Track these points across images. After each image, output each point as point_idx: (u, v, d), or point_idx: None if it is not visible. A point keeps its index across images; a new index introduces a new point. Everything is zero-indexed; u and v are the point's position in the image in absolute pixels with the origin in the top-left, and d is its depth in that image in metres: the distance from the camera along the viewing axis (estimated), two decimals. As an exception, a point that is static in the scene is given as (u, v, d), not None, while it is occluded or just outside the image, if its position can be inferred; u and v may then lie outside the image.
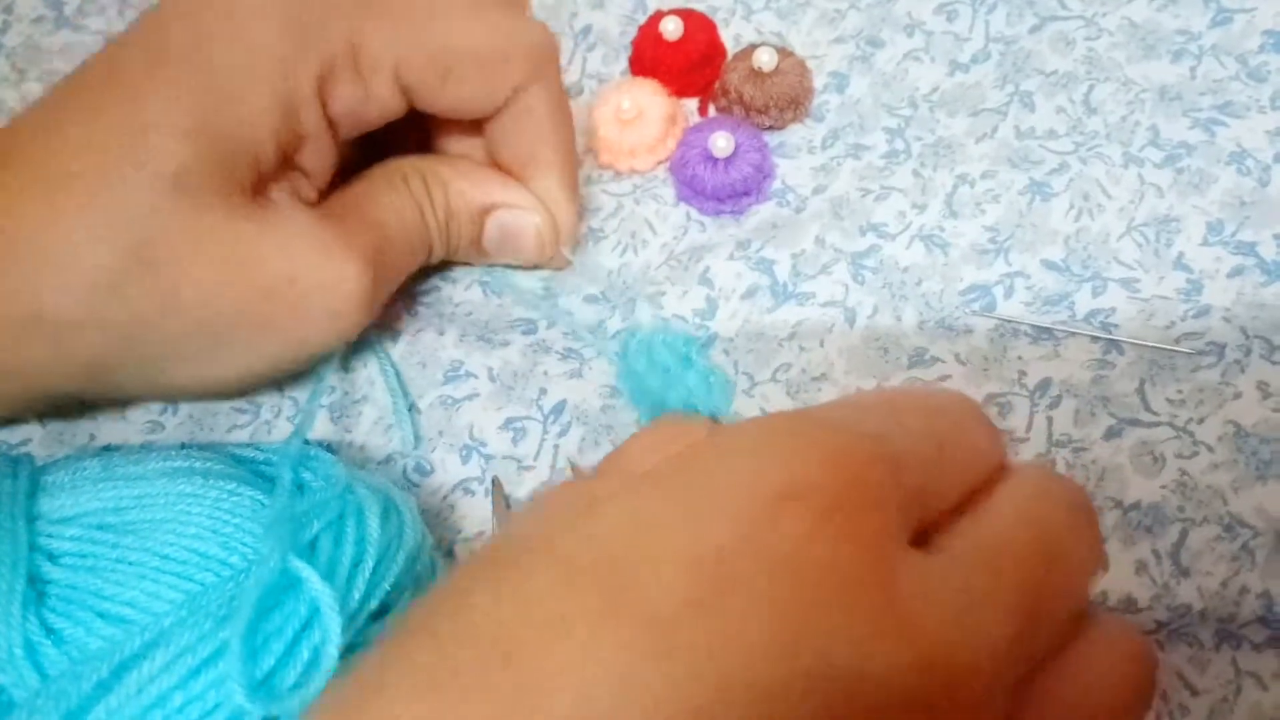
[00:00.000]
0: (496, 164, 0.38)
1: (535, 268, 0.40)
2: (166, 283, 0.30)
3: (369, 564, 0.28)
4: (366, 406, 0.38)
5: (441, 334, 0.39)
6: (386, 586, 0.29)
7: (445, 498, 0.37)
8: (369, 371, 0.39)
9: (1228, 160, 0.38)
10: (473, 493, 0.37)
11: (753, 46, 0.41)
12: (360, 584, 0.28)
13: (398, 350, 0.39)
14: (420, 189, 0.36)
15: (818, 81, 0.43)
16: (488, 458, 0.37)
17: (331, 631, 0.26)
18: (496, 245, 0.38)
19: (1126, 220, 0.38)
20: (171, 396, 0.38)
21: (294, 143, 0.33)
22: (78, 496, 0.29)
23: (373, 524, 0.29)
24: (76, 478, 0.30)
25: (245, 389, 0.38)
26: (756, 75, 0.41)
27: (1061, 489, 0.25)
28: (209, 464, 0.31)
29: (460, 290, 0.41)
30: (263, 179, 0.32)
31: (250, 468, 0.32)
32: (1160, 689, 0.32)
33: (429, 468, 0.37)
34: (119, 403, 0.39)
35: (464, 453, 0.37)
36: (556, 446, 0.37)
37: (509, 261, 0.40)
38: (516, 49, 0.35)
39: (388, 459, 0.37)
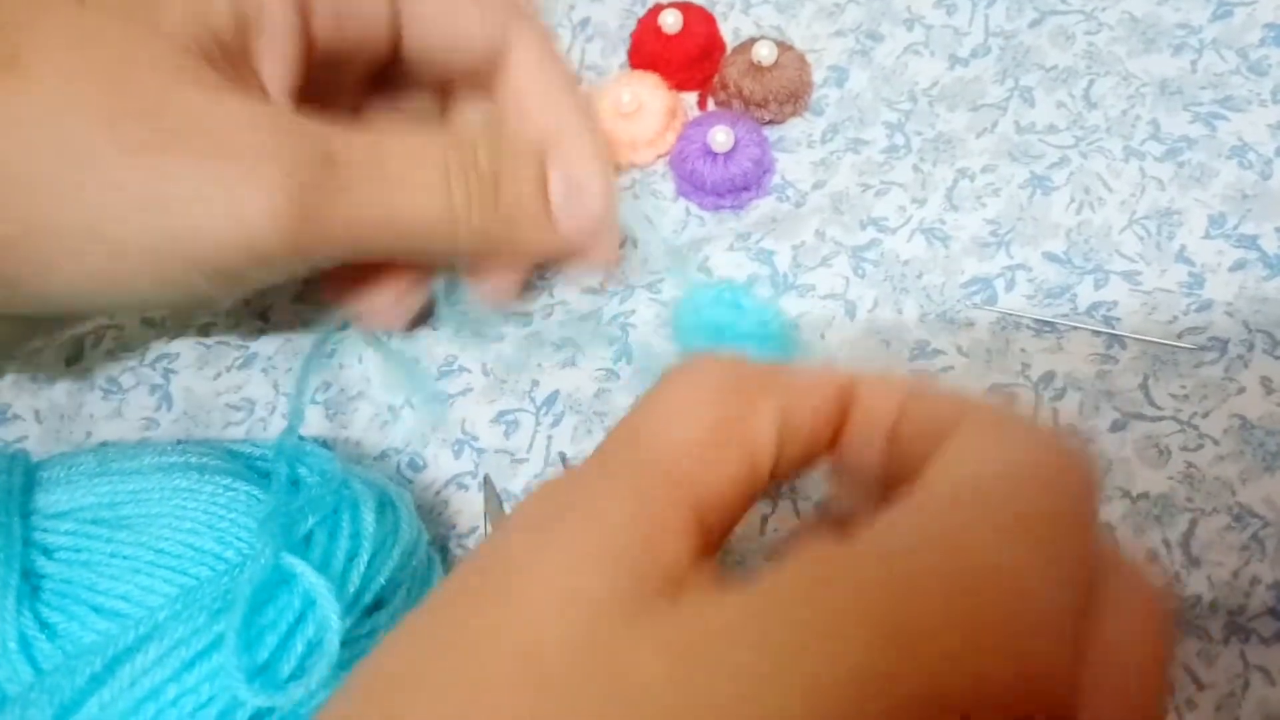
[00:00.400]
0: None
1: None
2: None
3: (364, 558, 0.28)
4: (362, 403, 0.38)
5: (435, 330, 0.39)
6: (382, 580, 0.28)
7: (439, 493, 0.36)
8: (364, 368, 0.38)
9: (1229, 154, 0.38)
10: (466, 487, 0.36)
11: (752, 40, 0.41)
12: (355, 578, 0.28)
13: (392, 347, 0.39)
14: (461, 139, 0.31)
15: (817, 75, 0.42)
16: (480, 451, 0.37)
17: (329, 623, 0.26)
18: (564, 200, 0.32)
19: (1128, 213, 0.38)
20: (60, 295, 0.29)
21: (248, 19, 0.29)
22: (73, 492, 0.28)
23: (368, 518, 0.29)
24: (72, 473, 0.29)
25: (146, 291, 0.28)
26: (756, 69, 0.40)
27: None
28: (204, 459, 0.30)
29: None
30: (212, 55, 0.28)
31: (245, 463, 0.32)
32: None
33: (422, 463, 0.37)
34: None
35: (456, 448, 0.37)
36: (549, 438, 0.37)
37: (577, 233, 0.33)
38: None
39: (383, 455, 0.37)
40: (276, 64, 0.29)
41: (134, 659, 0.24)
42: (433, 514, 0.36)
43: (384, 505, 0.30)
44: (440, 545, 0.36)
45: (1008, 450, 0.19)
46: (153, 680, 0.24)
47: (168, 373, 0.38)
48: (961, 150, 0.40)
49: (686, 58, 0.42)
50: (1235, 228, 0.37)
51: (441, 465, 0.37)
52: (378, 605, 0.29)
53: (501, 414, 0.37)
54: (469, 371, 0.38)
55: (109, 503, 0.28)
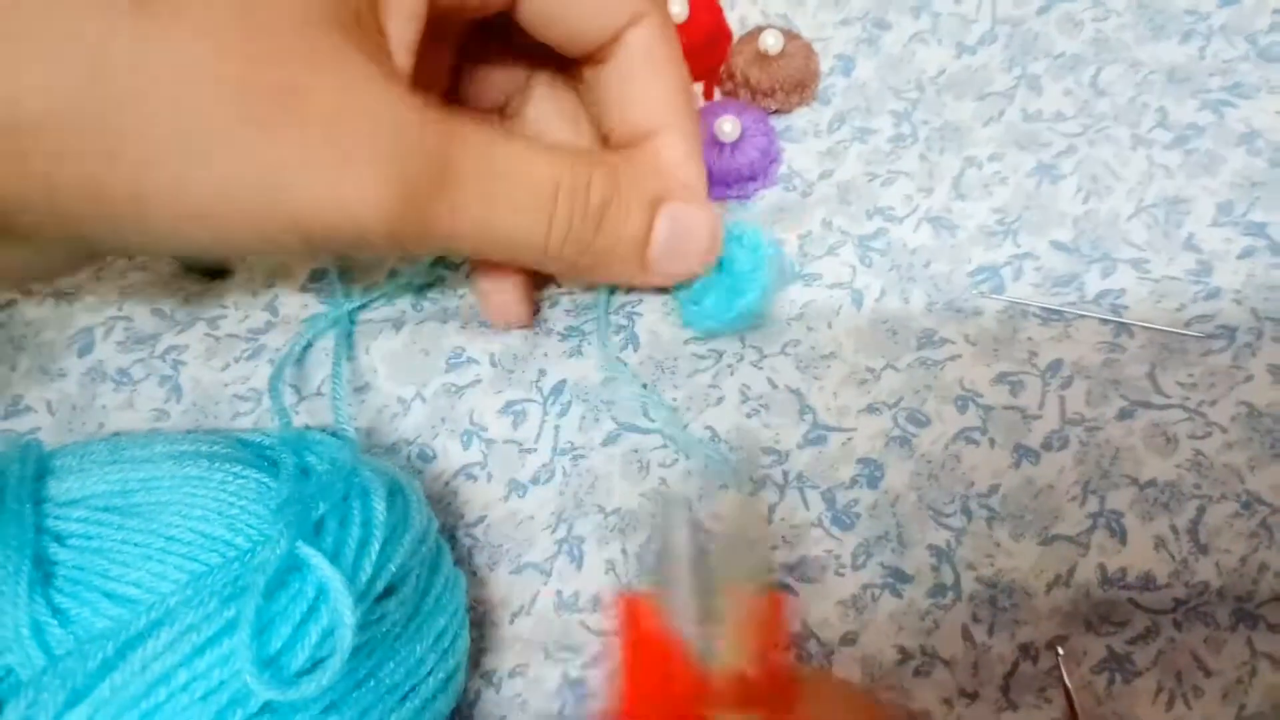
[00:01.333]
0: (605, 140, 0.34)
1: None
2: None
3: (375, 546, 0.28)
4: (370, 394, 0.38)
5: (444, 323, 0.39)
6: (393, 568, 0.29)
7: (448, 483, 0.36)
8: (371, 359, 0.39)
9: (1237, 141, 0.38)
10: (475, 478, 0.36)
11: (759, 29, 0.41)
12: (367, 566, 0.28)
13: (400, 339, 0.39)
14: (577, 167, 0.30)
15: (824, 64, 0.42)
16: (489, 442, 0.37)
17: (342, 614, 0.26)
18: (664, 248, 0.31)
19: (1136, 201, 0.38)
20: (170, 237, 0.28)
21: None
22: (85, 479, 0.29)
23: (379, 505, 0.29)
24: (84, 461, 0.29)
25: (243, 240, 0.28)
26: (762, 58, 0.40)
27: None
28: (215, 448, 0.30)
29: (463, 278, 0.41)
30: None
31: (255, 451, 0.32)
32: (1175, 670, 0.31)
33: (432, 454, 0.37)
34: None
35: (465, 438, 0.37)
36: (557, 427, 0.37)
37: (667, 274, 0.32)
38: None
39: (393, 445, 0.37)
40: (402, 22, 0.29)
41: (145, 644, 0.25)
42: (442, 504, 0.36)
43: (394, 493, 0.30)
44: (449, 535, 0.36)
45: None
46: (164, 665, 0.24)
47: (177, 364, 0.39)
48: (969, 139, 0.40)
49: (693, 47, 0.42)
50: (1244, 215, 0.37)
51: (450, 456, 0.37)
52: (388, 592, 0.29)
53: (509, 404, 0.37)
54: (477, 363, 0.38)
55: (120, 490, 0.28)
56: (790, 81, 0.41)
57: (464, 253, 0.30)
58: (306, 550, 0.26)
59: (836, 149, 0.41)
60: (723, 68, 0.42)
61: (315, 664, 0.26)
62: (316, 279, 0.41)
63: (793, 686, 0.26)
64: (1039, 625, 0.32)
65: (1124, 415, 0.34)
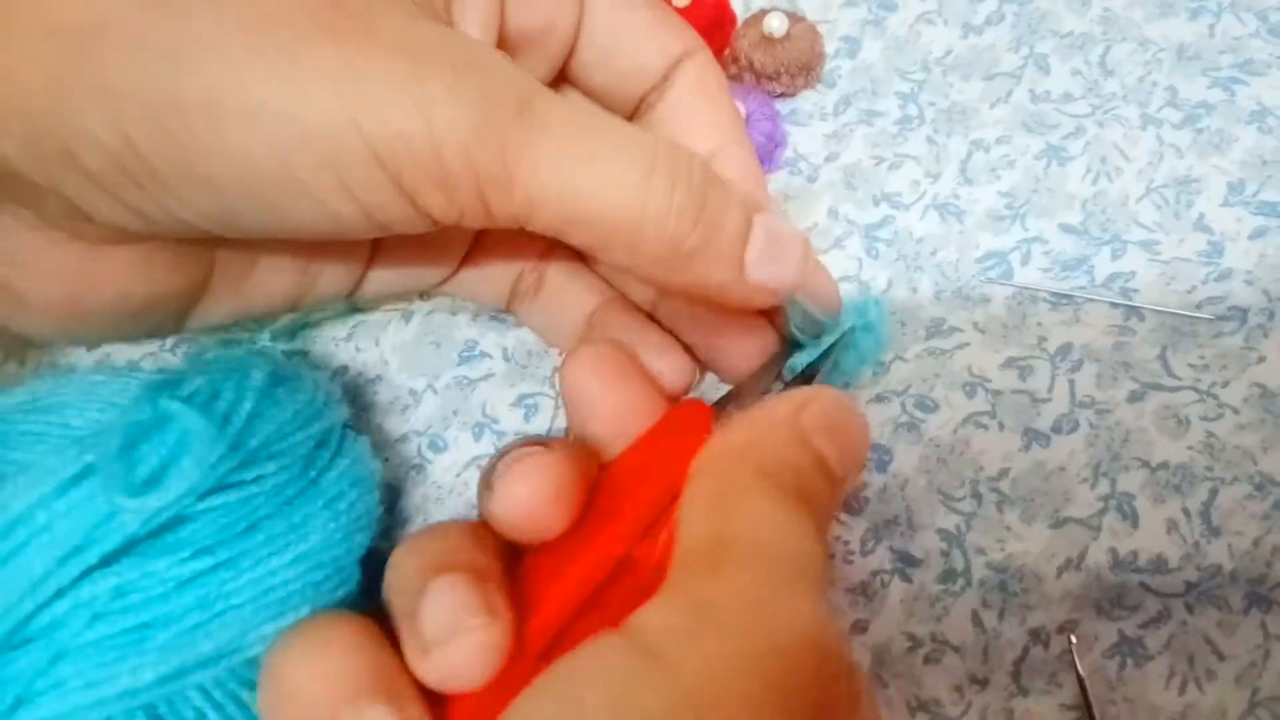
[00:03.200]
0: None
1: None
2: None
3: (246, 406, 0.28)
4: (381, 386, 0.38)
5: (454, 314, 0.39)
6: (270, 428, 0.29)
7: (459, 474, 0.37)
8: (381, 350, 0.39)
9: (1248, 119, 0.38)
10: (488, 469, 0.37)
11: (763, 12, 0.41)
12: (237, 421, 0.28)
13: (410, 330, 0.39)
14: (672, 149, 0.27)
15: (829, 46, 0.42)
16: (500, 435, 0.37)
17: (203, 437, 0.26)
18: (763, 251, 0.28)
19: (1145, 182, 0.37)
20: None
21: None
22: (5, 395, 0.30)
23: (255, 376, 0.29)
24: (18, 388, 0.31)
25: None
26: (767, 41, 0.40)
27: None
28: (133, 368, 0.32)
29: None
30: None
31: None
32: (1188, 654, 0.31)
33: (443, 445, 0.37)
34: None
35: (476, 430, 0.37)
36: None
37: (762, 283, 0.29)
38: (674, 16, 0.31)
39: (404, 436, 0.37)
40: (473, 26, 0.28)
41: (4, 487, 0.26)
42: (453, 495, 0.36)
43: (283, 377, 0.31)
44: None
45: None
46: (22, 504, 0.25)
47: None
48: (976, 121, 0.40)
49: (696, 30, 0.42)
50: (1255, 195, 0.36)
51: (462, 448, 0.37)
52: (269, 457, 0.29)
53: (522, 398, 0.37)
54: (490, 357, 0.38)
55: (29, 398, 0.30)
56: (795, 64, 0.41)
57: (539, 226, 0.26)
58: (169, 403, 0.27)
59: (842, 132, 0.41)
60: (727, 52, 0.42)
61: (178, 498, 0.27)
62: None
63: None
64: (1050, 610, 0.32)
65: (1135, 398, 0.34)
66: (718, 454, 0.25)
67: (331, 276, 0.32)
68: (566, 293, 0.34)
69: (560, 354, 0.38)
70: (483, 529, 0.26)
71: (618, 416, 0.28)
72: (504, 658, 0.22)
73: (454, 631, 0.22)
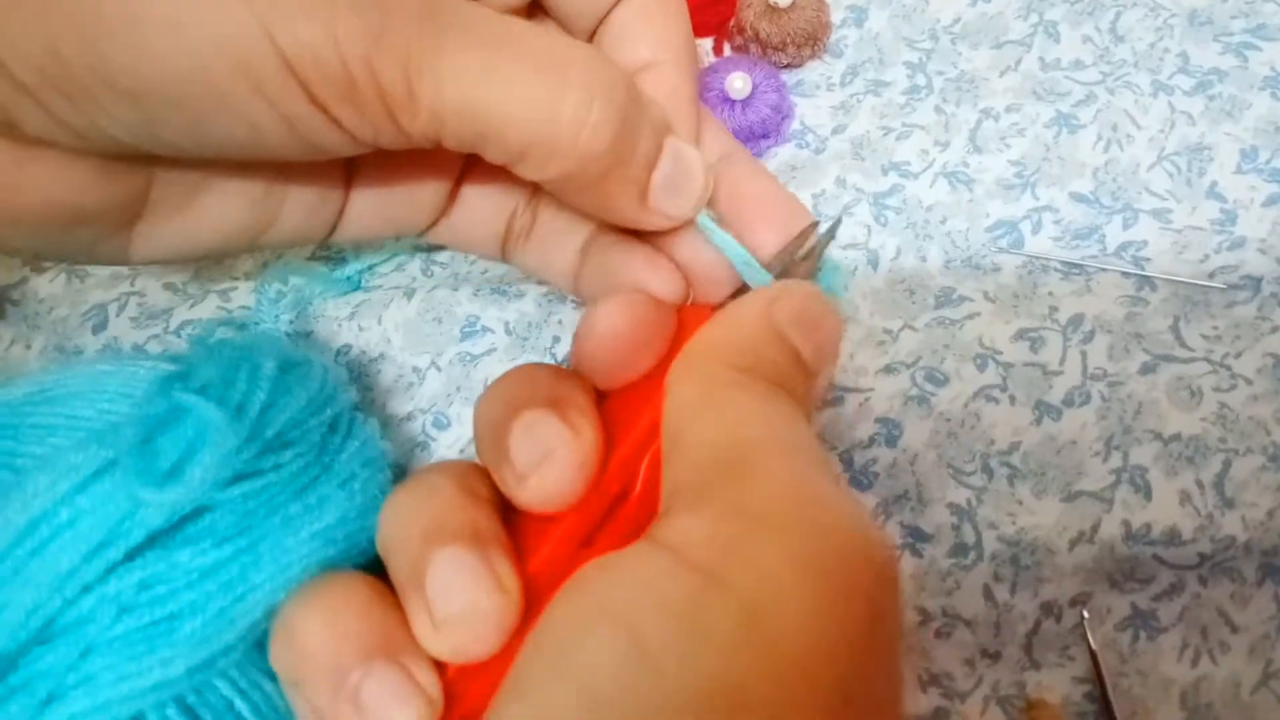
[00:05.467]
0: None
1: None
2: None
3: (260, 395, 0.28)
4: (385, 365, 0.38)
5: (455, 290, 0.39)
6: (285, 416, 0.29)
7: (463, 450, 0.36)
8: (383, 329, 0.38)
9: (1261, 85, 0.37)
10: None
11: (768, -18, 0.40)
12: (252, 410, 0.28)
13: (412, 308, 0.38)
14: (603, 62, 0.26)
15: (835, 16, 0.41)
16: (506, 410, 0.37)
17: (221, 429, 0.26)
18: (666, 181, 0.28)
19: (1157, 150, 0.37)
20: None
21: None
22: (9, 387, 0.30)
23: (267, 365, 0.29)
24: (25, 379, 0.30)
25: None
26: (772, 11, 0.39)
27: None
28: (139, 356, 0.31)
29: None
30: None
31: (180, 361, 0.33)
32: (1200, 626, 0.31)
33: (447, 422, 0.37)
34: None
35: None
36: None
37: (663, 214, 0.28)
38: None
39: (409, 414, 0.37)
40: None
41: (25, 486, 0.25)
42: (459, 473, 0.36)
43: (293, 364, 0.31)
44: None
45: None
46: (44, 503, 0.25)
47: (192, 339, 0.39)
48: (985, 90, 0.39)
49: (701, 1, 0.41)
50: (1268, 162, 0.36)
51: (465, 424, 0.37)
52: (284, 445, 0.29)
53: (524, 371, 0.37)
54: (492, 331, 0.38)
55: (38, 389, 0.29)
56: (801, 35, 0.40)
57: (456, 136, 0.25)
58: (185, 396, 0.27)
59: (849, 103, 0.40)
60: (732, 22, 0.41)
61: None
62: (326, 246, 0.40)
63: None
64: (1062, 583, 0.32)
65: (1147, 369, 0.33)
66: (692, 358, 0.25)
67: (297, 210, 0.32)
68: (558, 229, 0.33)
69: (572, 302, 0.37)
70: (473, 473, 0.25)
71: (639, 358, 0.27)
72: (515, 625, 0.22)
73: (463, 610, 0.22)
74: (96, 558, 0.25)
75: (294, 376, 0.30)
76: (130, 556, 0.26)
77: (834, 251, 0.33)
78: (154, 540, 0.26)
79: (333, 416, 0.31)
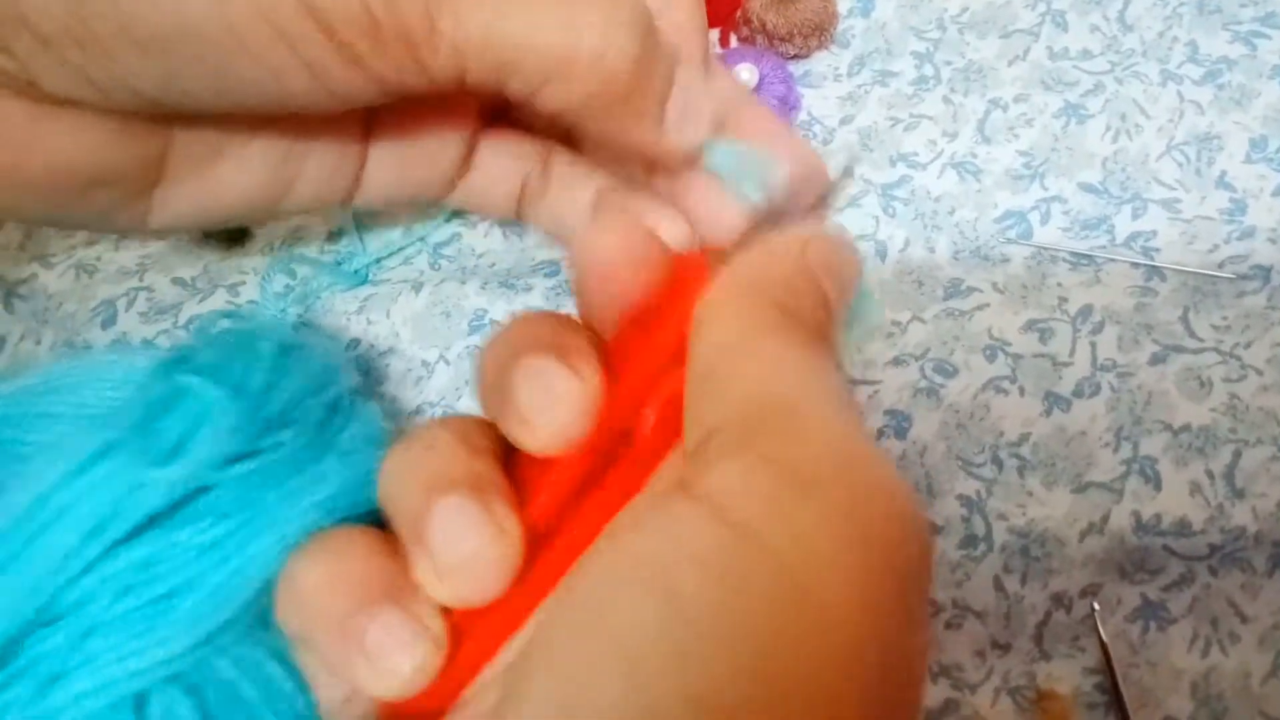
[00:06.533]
0: None
1: None
2: None
3: (259, 376, 0.28)
4: (393, 358, 0.38)
5: (463, 283, 0.39)
6: (285, 395, 0.29)
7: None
8: (392, 322, 0.38)
9: (1270, 74, 0.37)
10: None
11: (774, -27, 0.40)
12: (252, 389, 0.28)
13: (420, 301, 0.38)
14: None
15: (842, 6, 0.41)
16: (515, 403, 0.37)
17: (222, 409, 0.26)
18: (680, 110, 0.28)
19: (1166, 139, 0.37)
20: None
21: None
22: (16, 379, 0.30)
23: (265, 346, 0.29)
24: (32, 370, 0.30)
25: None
26: (779, 2, 0.39)
27: None
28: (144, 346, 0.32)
29: (480, 237, 0.40)
30: None
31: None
32: (1211, 616, 0.31)
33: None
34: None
35: (490, 400, 0.37)
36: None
37: (677, 143, 0.28)
38: None
39: (419, 408, 0.37)
40: None
41: (25, 471, 0.25)
42: (468, 466, 0.36)
43: (292, 346, 0.31)
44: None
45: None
46: (43, 485, 0.25)
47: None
48: (993, 79, 0.39)
49: (707, -7, 0.41)
50: (1278, 151, 0.36)
51: (474, 417, 0.37)
52: (283, 425, 0.29)
53: (532, 364, 0.37)
54: (500, 324, 0.38)
55: (44, 380, 0.29)
56: (808, 25, 0.40)
57: (481, 70, 0.26)
58: (185, 377, 0.27)
59: (857, 94, 0.40)
60: (739, 13, 0.41)
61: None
62: (334, 240, 0.40)
63: None
64: (1072, 574, 0.32)
65: (1157, 360, 0.33)
66: (729, 293, 0.23)
67: (316, 173, 0.32)
68: (571, 185, 0.34)
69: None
70: (472, 425, 0.25)
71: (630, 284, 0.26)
72: (517, 569, 0.22)
73: (465, 556, 0.22)
74: (97, 538, 0.25)
75: (293, 358, 0.30)
76: (131, 536, 0.26)
77: (869, 281, 0.32)
78: (154, 520, 0.26)
79: (333, 397, 0.31)
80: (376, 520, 0.30)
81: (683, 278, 0.25)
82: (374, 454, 0.31)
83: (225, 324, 0.33)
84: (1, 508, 0.25)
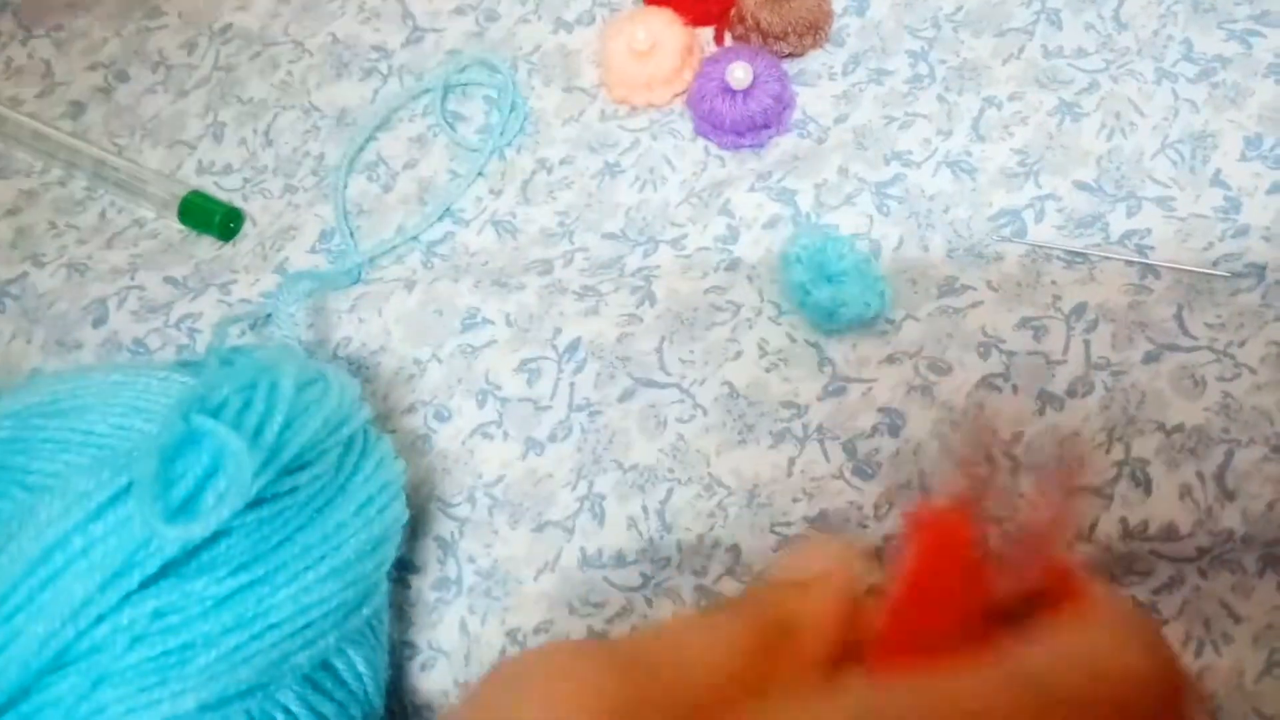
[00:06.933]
0: None
1: None
2: None
3: (279, 419, 0.28)
4: (385, 356, 0.38)
5: (456, 282, 0.39)
6: (302, 440, 0.28)
7: (464, 442, 0.36)
8: (384, 321, 0.38)
9: (1265, 72, 0.37)
10: (491, 437, 0.36)
11: (768, -30, 0.40)
12: (269, 435, 0.28)
13: (413, 299, 0.38)
14: None
15: (837, 4, 0.41)
16: (504, 401, 0.36)
17: (240, 462, 0.26)
18: None
19: (1160, 138, 0.37)
20: None
21: None
22: (20, 395, 0.30)
23: (285, 384, 0.29)
24: (29, 383, 0.31)
25: None
26: (774, 0, 0.39)
27: None
28: (149, 364, 0.31)
29: (473, 235, 0.40)
30: None
31: (192, 369, 0.32)
32: (1203, 617, 0.31)
33: (448, 414, 0.37)
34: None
35: (480, 397, 0.37)
36: (572, 384, 0.36)
37: None
38: None
39: (411, 406, 0.37)
40: None
41: (39, 513, 0.25)
42: (459, 464, 0.36)
43: (310, 382, 0.30)
44: (469, 495, 0.36)
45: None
46: (57, 531, 0.25)
47: (193, 332, 0.38)
48: (987, 78, 0.39)
49: (700, -10, 0.41)
50: (1272, 149, 0.36)
51: (466, 415, 0.37)
52: (300, 467, 0.29)
53: (524, 362, 0.37)
54: (493, 323, 0.38)
55: (50, 399, 0.29)
56: (802, 23, 0.40)
57: None
58: (202, 420, 0.26)
59: (851, 92, 0.40)
60: (733, 11, 0.41)
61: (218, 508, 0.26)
62: (325, 240, 0.40)
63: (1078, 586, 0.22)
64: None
65: (1150, 358, 0.33)
66: None
67: None
68: None
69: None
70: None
71: None
72: None
73: None
74: (111, 586, 0.25)
75: (311, 394, 0.30)
76: (144, 585, 0.25)
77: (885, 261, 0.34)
78: (168, 568, 0.26)
79: (349, 435, 0.31)
80: (384, 586, 0.30)
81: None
82: (388, 505, 0.30)
83: (236, 331, 0.32)
84: (14, 553, 0.25)
